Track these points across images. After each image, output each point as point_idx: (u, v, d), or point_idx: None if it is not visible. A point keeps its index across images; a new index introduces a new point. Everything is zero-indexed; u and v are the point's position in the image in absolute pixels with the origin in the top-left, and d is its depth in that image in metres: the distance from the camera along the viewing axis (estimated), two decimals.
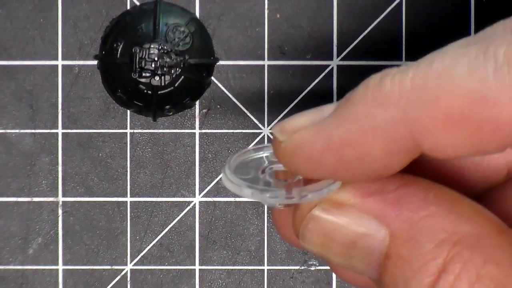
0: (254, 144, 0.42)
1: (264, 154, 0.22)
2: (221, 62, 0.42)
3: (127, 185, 0.42)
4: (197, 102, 0.42)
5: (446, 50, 0.17)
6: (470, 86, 0.16)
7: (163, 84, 0.37)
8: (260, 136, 0.42)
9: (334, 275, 0.42)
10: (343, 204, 0.19)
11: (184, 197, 0.42)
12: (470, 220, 0.18)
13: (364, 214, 0.19)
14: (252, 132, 0.42)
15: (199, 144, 0.42)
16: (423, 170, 0.22)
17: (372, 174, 0.19)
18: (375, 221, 0.19)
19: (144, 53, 0.37)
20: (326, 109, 0.19)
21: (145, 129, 0.42)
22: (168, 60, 0.37)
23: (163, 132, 0.42)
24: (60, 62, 0.42)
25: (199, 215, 0.42)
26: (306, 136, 0.19)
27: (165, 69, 0.37)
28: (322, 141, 0.18)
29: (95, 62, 0.40)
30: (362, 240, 0.19)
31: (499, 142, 0.16)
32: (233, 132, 0.42)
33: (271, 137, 0.22)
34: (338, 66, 0.42)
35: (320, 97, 0.42)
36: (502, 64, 0.16)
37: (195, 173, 0.42)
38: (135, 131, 0.42)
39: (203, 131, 0.42)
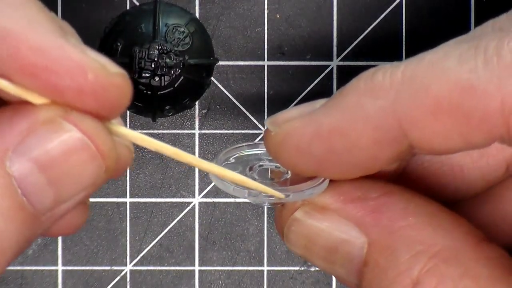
0: None
1: (257, 151, 0.22)
2: (220, 63, 0.42)
3: (126, 186, 0.42)
4: (197, 103, 0.42)
5: (439, 47, 0.18)
6: (459, 76, 0.16)
7: (162, 84, 0.37)
8: (259, 137, 0.42)
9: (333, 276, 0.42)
10: (325, 209, 0.19)
11: (183, 197, 0.42)
12: (448, 232, 0.18)
13: (344, 220, 0.19)
14: (252, 133, 0.42)
15: (198, 144, 0.42)
16: (423, 171, 0.21)
17: (360, 167, 0.19)
18: (355, 227, 0.19)
19: (143, 53, 0.37)
20: (318, 103, 0.19)
21: (145, 129, 0.42)
22: (167, 60, 0.37)
23: (162, 133, 0.42)
24: None
25: (199, 215, 0.42)
26: (296, 125, 0.19)
27: (164, 69, 0.37)
28: (311, 129, 0.18)
29: None
30: (342, 246, 0.19)
31: (486, 132, 0.16)
32: (232, 133, 0.42)
33: None
34: (338, 66, 0.42)
35: (320, 98, 0.42)
36: (492, 55, 0.16)
37: (194, 173, 0.42)
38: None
39: (203, 131, 0.42)
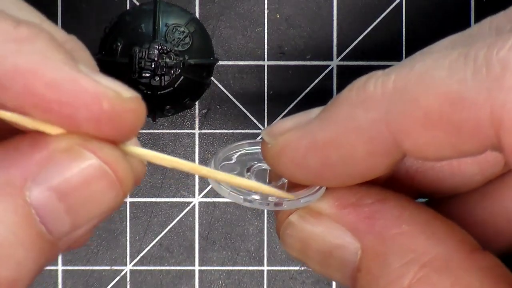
0: None
1: (257, 149, 0.22)
2: (221, 63, 0.42)
3: None
4: (197, 103, 0.42)
5: (430, 50, 0.17)
6: (448, 87, 0.16)
7: (162, 84, 0.37)
8: (259, 137, 0.42)
9: None
10: (320, 214, 0.20)
11: (183, 197, 0.42)
12: (441, 241, 0.18)
13: (339, 225, 0.19)
14: (252, 133, 0.42)
15: (198, 144, 0.42)
16: (421, 165, 0.22)
17: (356, 177, 0.19)
18: (349, 233, 0.19)
19: (143, 53, 0.37)
20: (313, 112, 0.19)
21: (145, 129, 0.42)
22: (167, 60, 0.37)
23: (162, 133, 0.42)
24: None
25: (199, 215, 0.42)
26: (291, 137, 0.19)
27: (164, 69, 0.37)
28: (306, 142, 0.18)
29: None
30: (336, 251, 0.19)
31: (478, 143, 0.16)
32: (232, 133, 0.42)
33: None
34: (338, 66, 0.42)
35: (320, 98, 0.42)
36: (481, 66, 0.16)
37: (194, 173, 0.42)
38: None
39: (203, 131, 0.42)
